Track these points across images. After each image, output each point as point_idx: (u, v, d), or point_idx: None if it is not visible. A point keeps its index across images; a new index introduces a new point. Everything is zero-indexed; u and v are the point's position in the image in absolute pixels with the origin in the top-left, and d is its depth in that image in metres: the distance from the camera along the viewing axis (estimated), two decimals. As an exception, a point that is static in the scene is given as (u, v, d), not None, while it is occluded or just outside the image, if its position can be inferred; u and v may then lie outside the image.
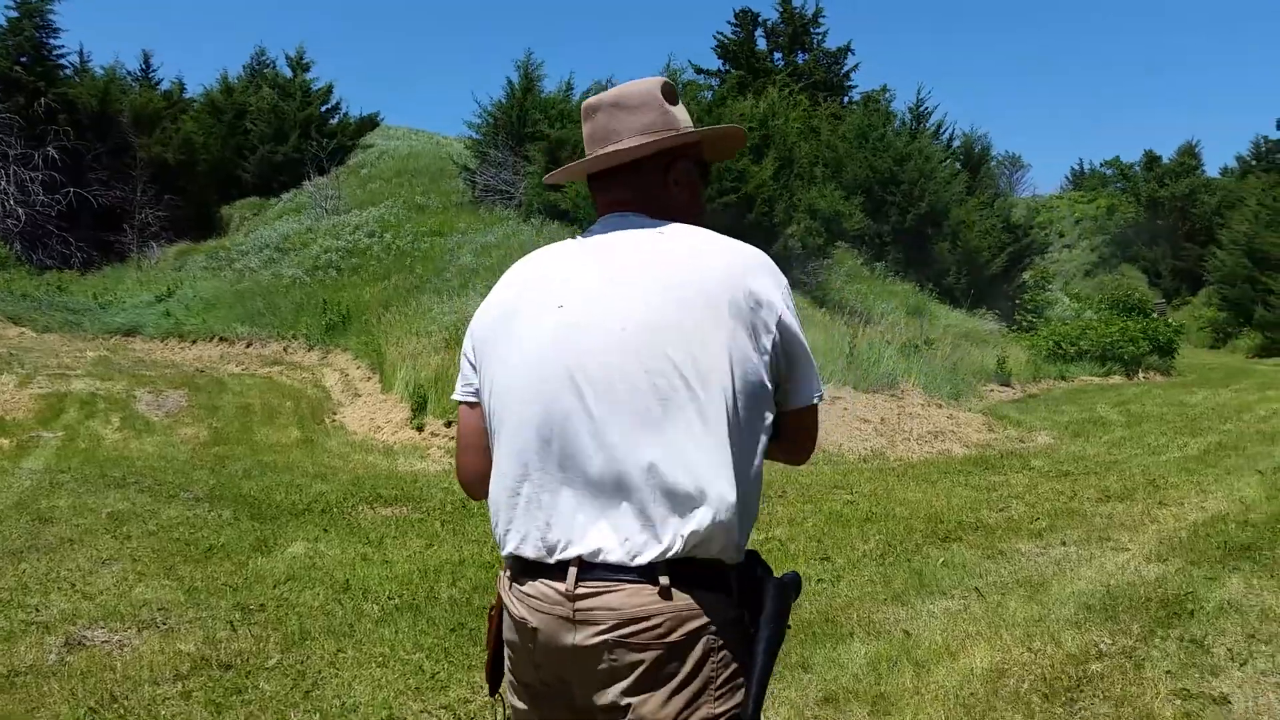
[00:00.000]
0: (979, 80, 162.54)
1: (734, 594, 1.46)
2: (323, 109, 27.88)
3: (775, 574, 1.52)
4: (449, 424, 9.84)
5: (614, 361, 1.46)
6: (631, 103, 1.65)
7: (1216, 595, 4.50)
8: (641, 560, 1.41)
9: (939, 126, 23.53)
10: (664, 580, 1.40)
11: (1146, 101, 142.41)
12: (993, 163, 23.40)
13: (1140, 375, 20.19)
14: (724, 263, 1.52)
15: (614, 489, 1.43)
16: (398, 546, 5.93)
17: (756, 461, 1.50)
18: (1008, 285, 21.69)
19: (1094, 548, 5.56)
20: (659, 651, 1.41)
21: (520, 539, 1.51)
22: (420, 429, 9.98)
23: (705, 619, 1.43)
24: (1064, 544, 5.68)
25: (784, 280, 1.56)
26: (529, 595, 1.50)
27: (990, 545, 5.70)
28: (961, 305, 20.23)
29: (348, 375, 13.14)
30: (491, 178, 19.74)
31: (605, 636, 1.42)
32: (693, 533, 1.40)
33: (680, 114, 1.67)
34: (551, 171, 1.78)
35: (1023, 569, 5.18)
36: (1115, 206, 42.03)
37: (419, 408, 10.25)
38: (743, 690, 1.45)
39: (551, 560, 1.47)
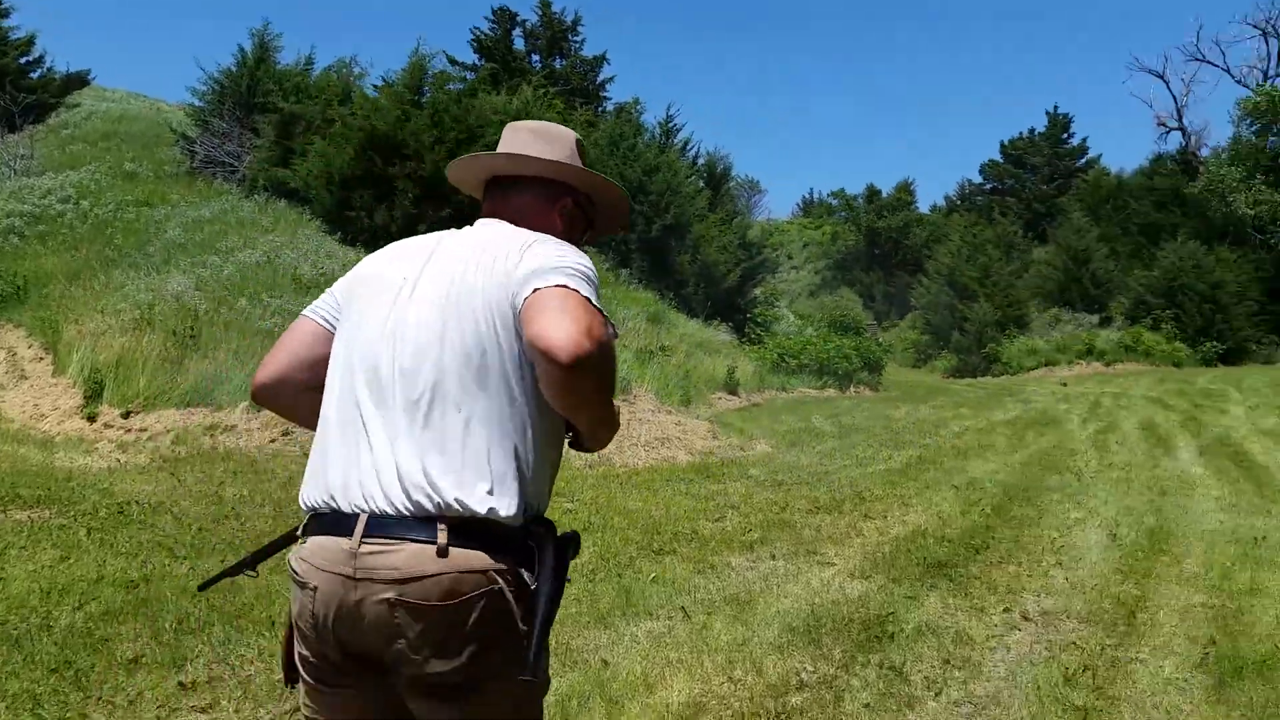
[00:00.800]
0: (723, 104, 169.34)
1: (514, 553, 1.49)
2: (22, 60, 24.48)
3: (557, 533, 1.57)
4: (127, 414, 8.54)
5: (423, 332, 1.55)
6: (550, 135, 1.82)
7: (915, 617, 4.41)
8: (423, 515, 1.46)
9: (686, 143, 23.99)
10: (442, 538, 1.44)
11: (870, 139, 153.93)
12: (732, 183, 24.15)
13: (852, 389, 21.41)
14: (518, 245, 1.59)
15: (407, 447, 1.49)
16: (22, 560, 4.87)
17: (537, 428, 1.55)
18: (741, 299, 22.33)
19: (801, 562, 5.43)
20: (442, 610, 1.44)
21: (317, 491, 1.55)
22: (92, 419, 8.61)
23: (485, 577, 1.46)
24: (773, 557, 5.51)
25: (565, 249, 1.60)
26: (311, 553, 1.52)
27: (703, 559, 5.43)
28: (698, 316, 20.58)
29: (16, 354, 11.30)
30: (213, 148, 17.93)
31: (388, 595, 1.43)
32: (473, 493, 1.46)
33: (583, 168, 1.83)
34: (454, 159, 1.83)
35: (731, 585, 4.93)
36: (839, 234, 45.00)
37: (94, 395, 8.86)
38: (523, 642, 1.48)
39: (338, 513, 1.50)
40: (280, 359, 1.70)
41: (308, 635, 1.53)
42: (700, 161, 24.36)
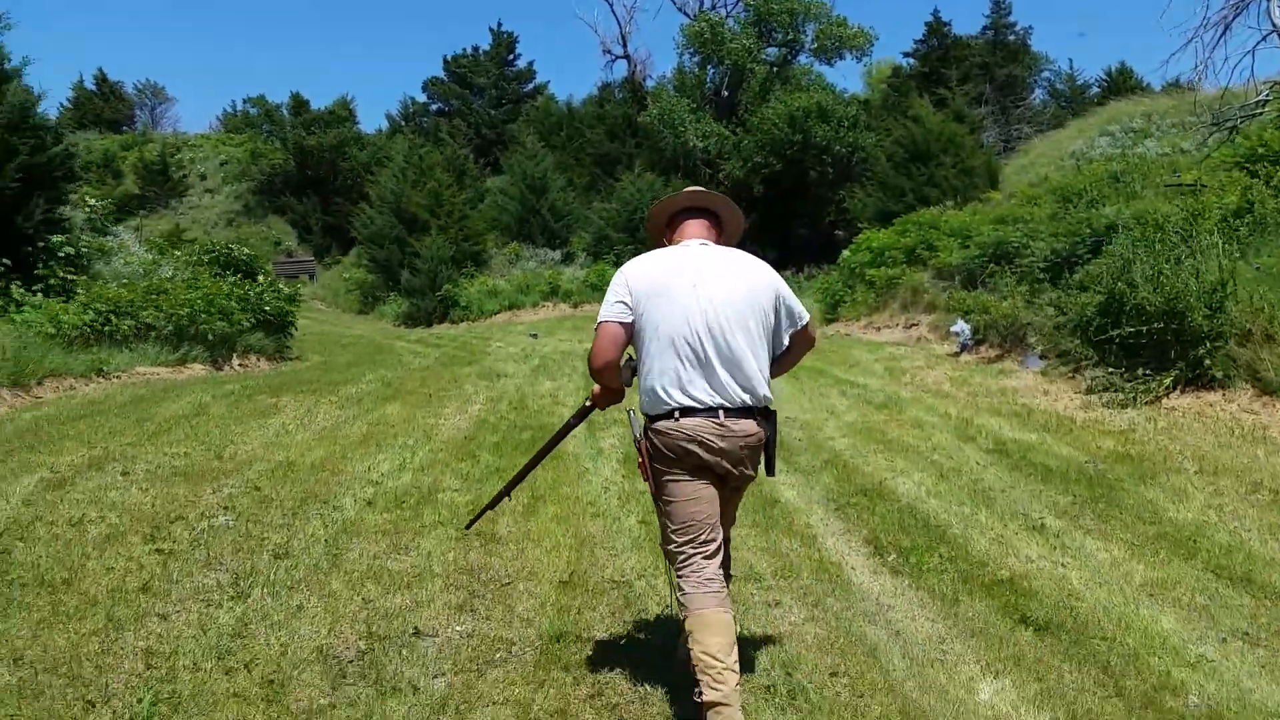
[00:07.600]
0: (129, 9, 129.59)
1: (772, 422, 2.89)
2: None
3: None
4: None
5: (729, 313, 2.78)
6: (715, 192, 3.13)
7: None
8: (748, 405, 2.78)
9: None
10: (759, 416, 2.82)
11: (303, 50, 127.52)
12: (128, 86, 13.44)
13: (234, 363, 12.71)
14: (762, 271, 2.91)
15: (733, 376, 2.76)
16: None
17: (771, 358, 2.95)
18: (26, 222, 12.22)
19: None
20: (757, 446, 2.84)
21: (687, 398, 2.75)
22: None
23: (767, 432, 2.87)
24: None
25: (778, 277, 2.95)
26: (693, 426, 2.75)
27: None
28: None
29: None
30: None
31: (740, 441, 2.77)
32: (765, 395, 2.81)
33: None
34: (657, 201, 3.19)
35: None
36: (261, 151, 34.22)
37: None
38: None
39: (705, 406, 2.75)
40: (610, 350, 2.80)
41: (683, 459, 2.77)
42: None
